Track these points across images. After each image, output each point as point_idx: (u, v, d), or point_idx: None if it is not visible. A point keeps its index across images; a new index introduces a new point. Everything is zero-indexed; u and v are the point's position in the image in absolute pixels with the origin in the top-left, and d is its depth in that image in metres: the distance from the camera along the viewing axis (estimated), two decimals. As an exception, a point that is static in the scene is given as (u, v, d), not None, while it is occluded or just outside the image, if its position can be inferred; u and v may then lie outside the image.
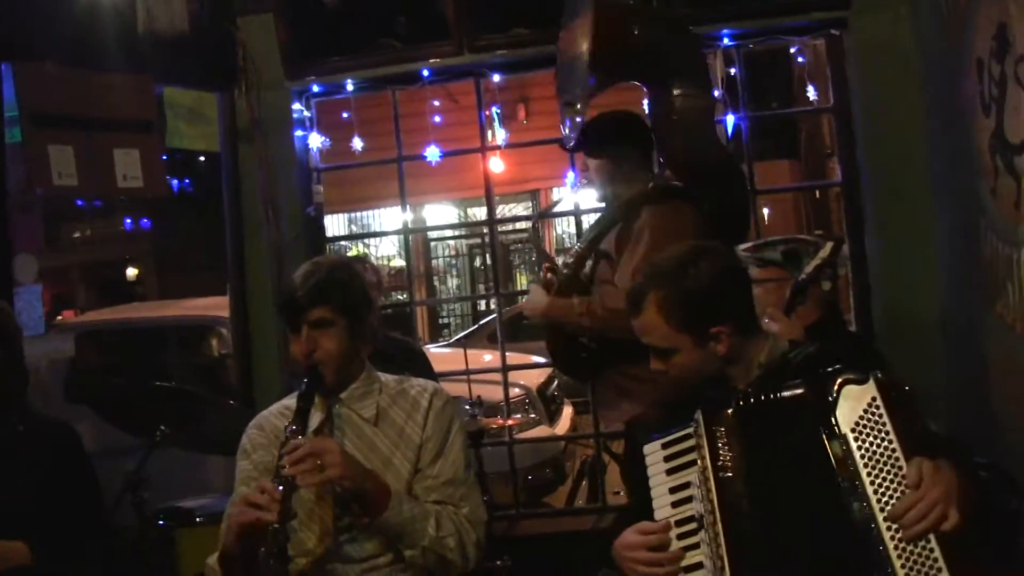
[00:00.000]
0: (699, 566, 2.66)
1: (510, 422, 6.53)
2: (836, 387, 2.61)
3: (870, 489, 2.52)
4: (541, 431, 9.10)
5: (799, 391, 2.68)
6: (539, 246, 6.83)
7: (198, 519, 5.04)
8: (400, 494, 3.23)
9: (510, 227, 20.01)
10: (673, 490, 2.77)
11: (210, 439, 4.97)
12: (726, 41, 5.71)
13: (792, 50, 6.56)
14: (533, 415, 9.36)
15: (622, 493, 7.61)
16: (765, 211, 15.88)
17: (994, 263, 4.15)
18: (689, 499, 2.72)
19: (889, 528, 2.48)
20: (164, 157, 5.51)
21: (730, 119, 5.84)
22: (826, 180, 12.91)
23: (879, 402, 2.55)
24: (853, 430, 2.56)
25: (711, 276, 2.91)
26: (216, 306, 9.32)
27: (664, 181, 4.88)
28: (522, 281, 20.24)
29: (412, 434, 3.37)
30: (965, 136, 4.41)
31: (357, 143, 6.45)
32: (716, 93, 5.57)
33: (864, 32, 5.52)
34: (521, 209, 19.57)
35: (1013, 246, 3.90)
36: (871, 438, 2.54)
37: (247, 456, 3.43)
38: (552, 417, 9.64)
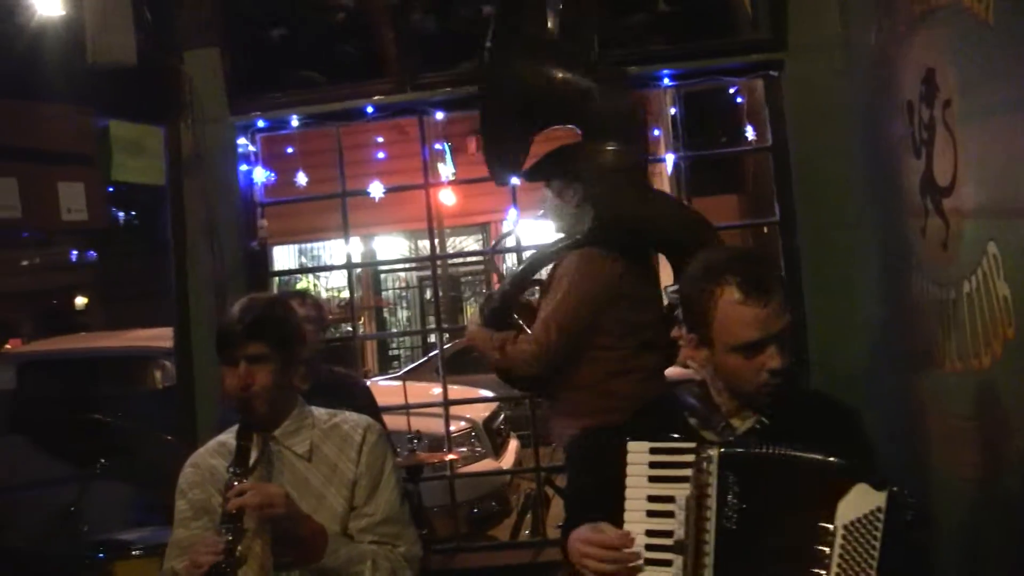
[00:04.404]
0: None
1: (451, 456, 6.54)
2: (851, 479, 2.54)
3: None
4: (487, 464, 9.13)
5: (819, 458, 2.61)
6: (499, 272, 6.64)
7: (135, 552, 5.03)
8: (337, 537, 3.25)
9: (459, 260, 19.99)
10: (653, 499, 2.67)
11: (146, 472, 4.97)
12: (666, 82, 5.82)
13: (731, 90, 6.65)
14: (479, 448, 9.39)
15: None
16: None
17: (922, 301, 4.23)
18: (669, 514, 2.62)
19: None
20: (110, 189, 5.51)
21: (669, 158, 5.91)
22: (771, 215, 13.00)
23: (881, 514, 2.50)
24: (847, 528, 2.51)
25: None
26: (160, 337, 9.27)
27: (597, 224, 4.63)
28: (471, 313, 20.24)
29: (345, 470, 3.37)
30: (896, 176, 4.50)
31: (302, 178, 6.47)
32: (657, 132, 5.62)
33: (800, 73, 5.63)
34: (472, 242, 19.59)
35: (940, 286, 3.98)
36: (858, 544, 2.50)
37: (183, 495, 3.44)
38: (498, 450, 9.68)
